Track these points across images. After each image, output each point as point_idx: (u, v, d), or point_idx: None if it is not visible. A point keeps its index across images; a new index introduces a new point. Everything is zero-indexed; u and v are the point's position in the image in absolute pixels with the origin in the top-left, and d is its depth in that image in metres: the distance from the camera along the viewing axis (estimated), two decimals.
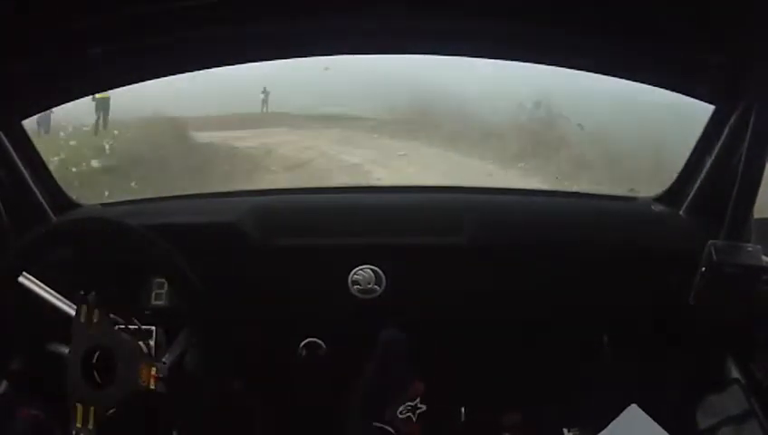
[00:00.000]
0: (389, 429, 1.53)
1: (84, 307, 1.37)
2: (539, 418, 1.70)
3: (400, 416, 1.54)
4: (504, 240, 1.75)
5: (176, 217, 1.78)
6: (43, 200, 1.81)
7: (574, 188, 2.07)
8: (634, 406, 1.55)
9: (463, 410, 1.72)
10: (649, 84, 1.69)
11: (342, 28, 1.53)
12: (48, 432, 1.50)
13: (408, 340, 1.60)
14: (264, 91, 6.99)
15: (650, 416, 1.64)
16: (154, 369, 1.35)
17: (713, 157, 1.70)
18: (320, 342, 1.68)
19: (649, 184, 2.01)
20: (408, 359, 1.59)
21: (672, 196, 1.85)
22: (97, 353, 1.37)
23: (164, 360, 1.41)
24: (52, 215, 1.82)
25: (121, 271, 1.58)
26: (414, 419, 1.55)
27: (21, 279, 1.42)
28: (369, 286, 1.70)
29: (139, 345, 1.40)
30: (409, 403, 1.55)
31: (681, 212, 1.81)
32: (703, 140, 1.74)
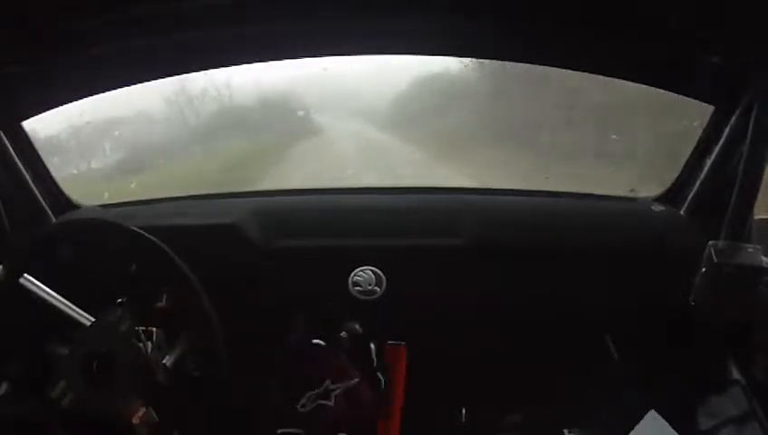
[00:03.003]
0: (295, 431, 1.53)
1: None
2: (539, 418, 1.70)
3: (302, 410, 1.53)
4: (504, 241, 1.75)
5: (175, 219, 1.78)
6: (42, 201, 1.81)
7: (574, 189, 2.06)
8: (653, 412, 1.56)
9: (463, 410, 1.71)
10: (649, 84, 1.69)
11: (342, 28, 1.54)
12: (48, 433, 1.50)
13: (407, 341, 1.60)
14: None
15: None
16: (142, 411, 1.36)
17: (713, 157, 1.70)
18: (322, 343, 1.68)
19: (649, 184, 2.00)
20: (308, 352, 1.59)
21: (672, 196, 1.85)
22: (97, 355, 1.37)
23: (165, 361, 1.41)
24: (51, 215, 1.82)
25: (121, 272, 1.58)
26: (331, 402, 1.53)
27: (21, 280, 1.42)
28: (370, 288, 1.70)
29: (140, 347, 1.39)
30: (312, 392, 1.53)
31: (681, 212, 1.81)
32: (703, 140, 1.74)
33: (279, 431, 1.53)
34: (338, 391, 1.53)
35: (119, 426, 1.35)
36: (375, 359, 1.57)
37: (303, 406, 1.51)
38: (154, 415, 1.37)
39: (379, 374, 1.56)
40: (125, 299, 1.44)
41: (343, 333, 1.61)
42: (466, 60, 2.26)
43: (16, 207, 1.71)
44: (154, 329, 1.43)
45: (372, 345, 1.58)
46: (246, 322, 1.63)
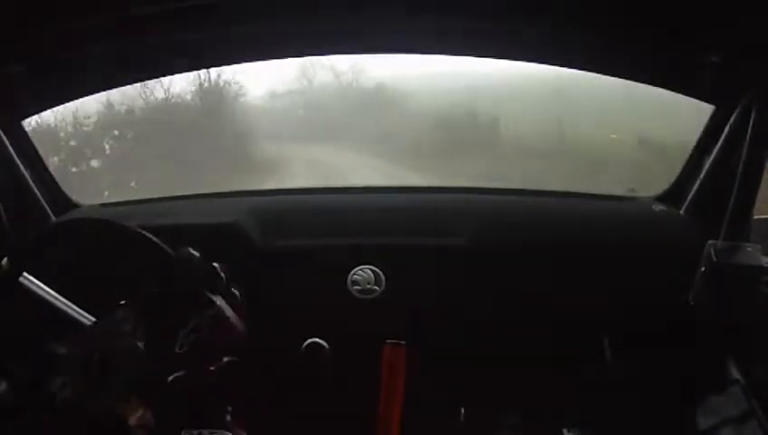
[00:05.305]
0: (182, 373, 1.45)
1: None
2: (539, 418, 1.70)
3: (181, 350, 1.41)
4: (504, 241, 1.75)
5: (175, 218, 1.78)
6: (43, 200, 1.81)
7: (574, 189, 2.06)
8: None
9: (463, 410, 1.71)
10: (649, 84, 1.69)
11: (342, 28, 1.54)
12: (49, 433, 1.50)
13: (405, 340, 1.60)
14: None
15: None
16: (140, 412, 1.35)
17: (713, 157, 1.70)
18: (322, 343, 1.68)
19: (649, 184, 2.00)
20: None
21: (672, 196, 1.85)
22: (97, 354, 1.37)
23: None
24: (52, 215, 1.82)
25: (120, 271, 1.58)
26: (204, 333, 1.42)
27: (21, 279, 1.42)
28: (369, 287, 1.70)
29: (139, 346, 1.39)
30: (183, 331, 1.41)
31: (681, 212, 1.81)
32: (703, 140, 1.75)
33: (169, 379, 1.46)
34: (205, 321, 1.44)
35: (116, 426, 1.35)
36: (222, 275, 1.50)
37: (180, 348, 1.43)
38: (150, 417, 1.37)
39: (233, 289, 1.51)
40: (128, 301, 1.43)
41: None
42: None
43: (16, 208, 1.71)
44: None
45: (215, 264, 1.50)
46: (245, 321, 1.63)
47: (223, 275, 1.50)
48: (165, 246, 1.46)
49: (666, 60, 1.57)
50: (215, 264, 1.50)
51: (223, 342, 1.47)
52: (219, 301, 1.47)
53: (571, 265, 1.72)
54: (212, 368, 1.47)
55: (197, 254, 1.48)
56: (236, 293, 1.52)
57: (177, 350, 1.41)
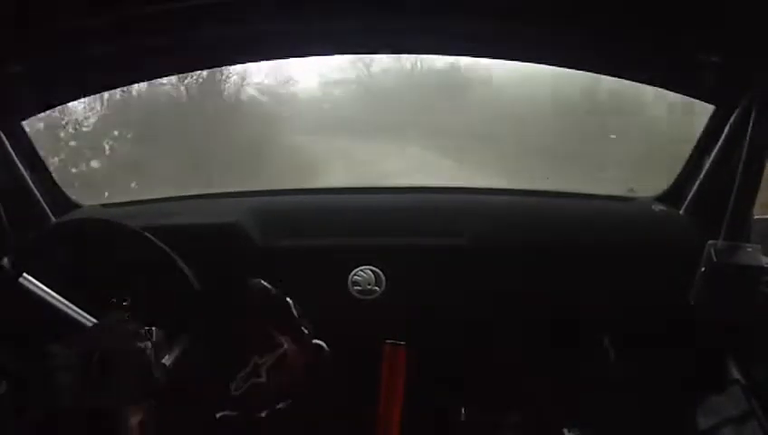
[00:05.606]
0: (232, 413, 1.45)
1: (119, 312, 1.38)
2: (539, 418, 1.70)
3: (236, 392, 1.43)
4: (505, 241, 1.75)
5: (176, 218, 1.78)
6: (42, 201, 1.81)
7: (574, 189, 2.07)
8: None
9: (463, 410, 1.71)
10: (649, 84, 1.69)
11: (343, 28, 1.54)
12: (48, 432, 1.50)
13: (406, 341, 1.60)
14: None
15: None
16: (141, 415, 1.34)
17: (713, 157, 1.70)
18: (322, 344, 1.68)
19: (649, 184, 2.00)
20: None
21: (672, 196, 1.85)
22: (97, 354, 1.37)
23: (164, 361, 1.41)
24: (51, 215, 1.82)
25: (121, 272, 1.58)
26: (263, 378, 1.42)
27: (21, 279, 1.42)
28: (369, 287, 1.70)
29: (140, 347, 1.39)
30: (241, 374, 1.42)
31: (681, 212, 1.81)
32: (703, 140, 1.75)
33: (217, 416, 1.46)
34: (267, 364, 1.44)
35: (115, 425, 1.35)
36: (294, 311, 1.49)
37: (237, 389, 1.42)
38: (152, 422, 1.36)
39: (303, 328, 1.49)
40: (129, 300, 1.42)
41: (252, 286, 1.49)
42: None
43: (16, 207, 1.71)
44: (154, 329, 1.43)
45: (289, 299, 1.49)
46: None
47: (296, 312, 1.49)
48: (165, 247, 1.47)
49: (666, 60, 1.57)
50: (288, 299, 1.49)
51: (282, 388, 1.46)
52: (287, 343, 1.45)
53: (571, 265, 1.72)
54: (264, 414, 1.45)
55: (270, 286, 1.47)
56: (306, 331, 1.49)
57: (232, 391, 1.41)
